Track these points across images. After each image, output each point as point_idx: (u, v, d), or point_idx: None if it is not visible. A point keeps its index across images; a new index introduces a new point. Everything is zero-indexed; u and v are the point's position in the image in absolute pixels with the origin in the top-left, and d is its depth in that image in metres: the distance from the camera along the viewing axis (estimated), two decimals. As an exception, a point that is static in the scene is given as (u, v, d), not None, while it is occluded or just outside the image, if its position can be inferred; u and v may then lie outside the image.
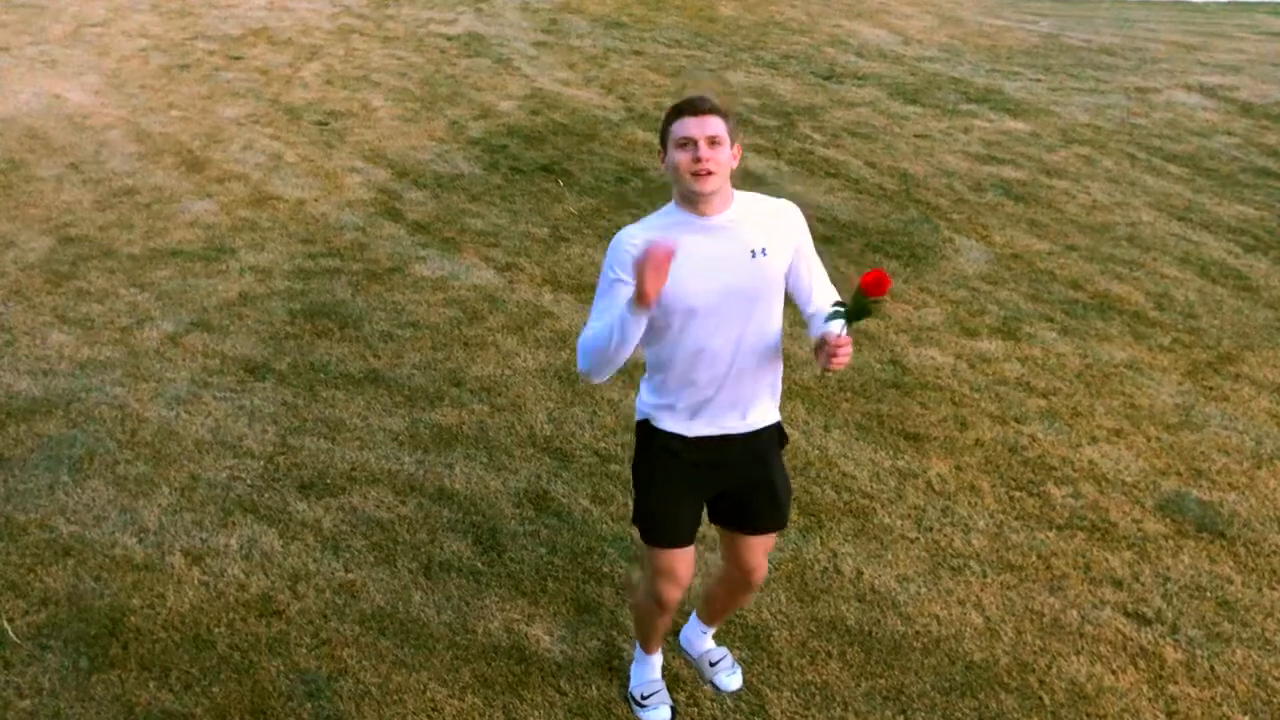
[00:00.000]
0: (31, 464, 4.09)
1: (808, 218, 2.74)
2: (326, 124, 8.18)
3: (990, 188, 7.47)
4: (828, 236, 6.34)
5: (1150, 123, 9.19)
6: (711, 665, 3.21)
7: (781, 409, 4.58)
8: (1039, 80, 10.49)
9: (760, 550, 2.88)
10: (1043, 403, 4.78)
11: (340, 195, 6.82)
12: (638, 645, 3.13)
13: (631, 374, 4.80)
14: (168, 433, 4.31)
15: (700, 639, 3.25)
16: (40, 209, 6.45)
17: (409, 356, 4.94)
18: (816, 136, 8.38)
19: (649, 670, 3.13)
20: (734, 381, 2.62)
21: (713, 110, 2.47)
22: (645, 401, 2.73)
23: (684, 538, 2.75)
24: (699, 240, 2.50)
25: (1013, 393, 4.85)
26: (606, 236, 6.31)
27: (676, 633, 3.34)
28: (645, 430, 2.74)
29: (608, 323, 2.43)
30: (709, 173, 2.45)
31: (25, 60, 9.55)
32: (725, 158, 2.49)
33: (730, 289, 2.53)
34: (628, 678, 3.16)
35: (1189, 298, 5.91)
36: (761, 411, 2.71)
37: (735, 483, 2.75)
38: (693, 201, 2.51)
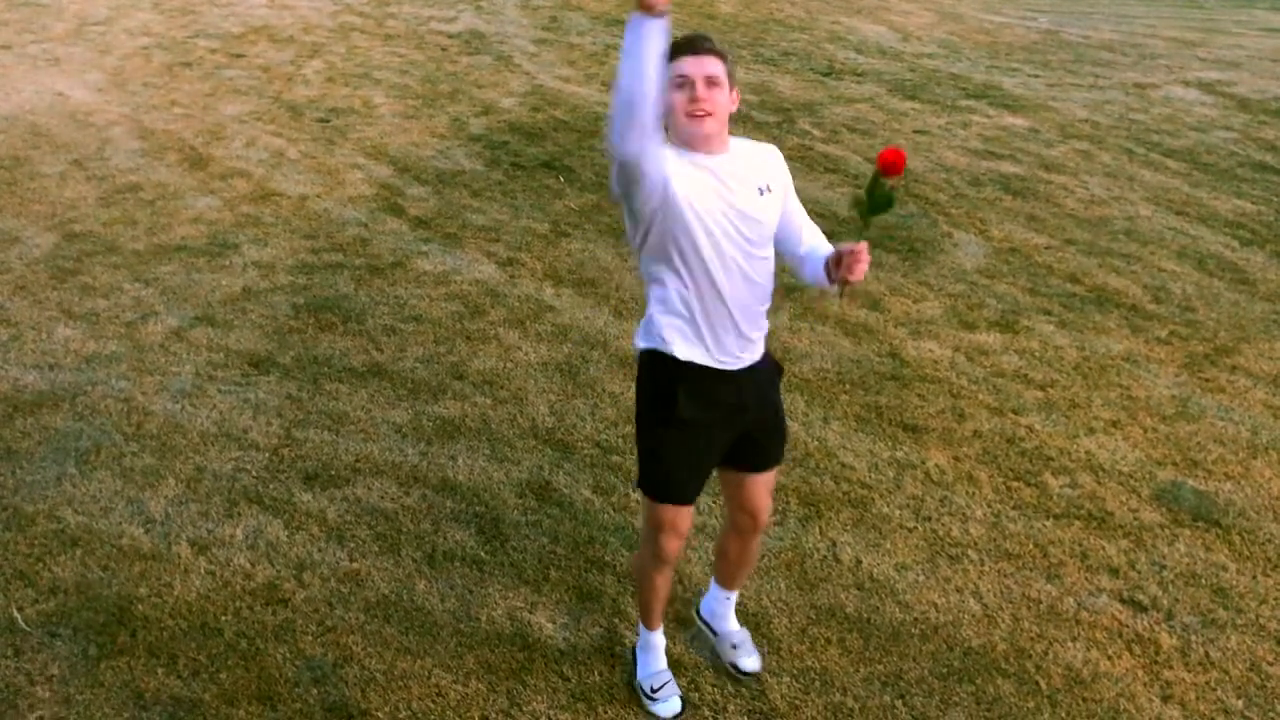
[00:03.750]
0: (39, 456, 4.13)
1: (806, 213, 2.78)
2: (328, 121, 8.22)
3: (989, 183, 7.50)
4: (827, 231, 6.33)
5: (1148, 118, 9.23)
6: (733, 647, 3.21)
7: (783, 401, 4.64)
8: (1037, 76, 10.52)
9: (766, 489, 2.95)
10: (1040, 394, 4.82)
11: (342, 191, 6.86)
12: (641, 627, 3.13)
13: (632, 366, 4.84)
14: (173, 425, 4.35)
15: (724, 610, 3.24)
16: (44, 205, 6.49)
17: (411, 350, 4.98)
18: (815, 132, 8.42)
19: (655, 659, 3.13)
20: (739, 319, 2.62)
21: (711, 50, 2.42)
22: (657, 324, 2.63)
23: (694, 496, 2.80)
24: (708, 174, 2.49)
25: (1010, 385, 4.89)
26: (607, 232, 6.37)
27: (682, 616, 3.37)
28: (657, 366, 2.66)
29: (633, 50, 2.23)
30: (706, 114, 2.41)
31: (28, 58, 9.59)
32: (723, 99, 2.43)
33: (744, 214, 2.52)
34: (629, 662, 3.20)
35: (1186, 291, 5.95)
36: (760, 339, 2.75)
37: (752, 423, 2.77)
38: (691, 144, 2.47)
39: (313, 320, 5.23)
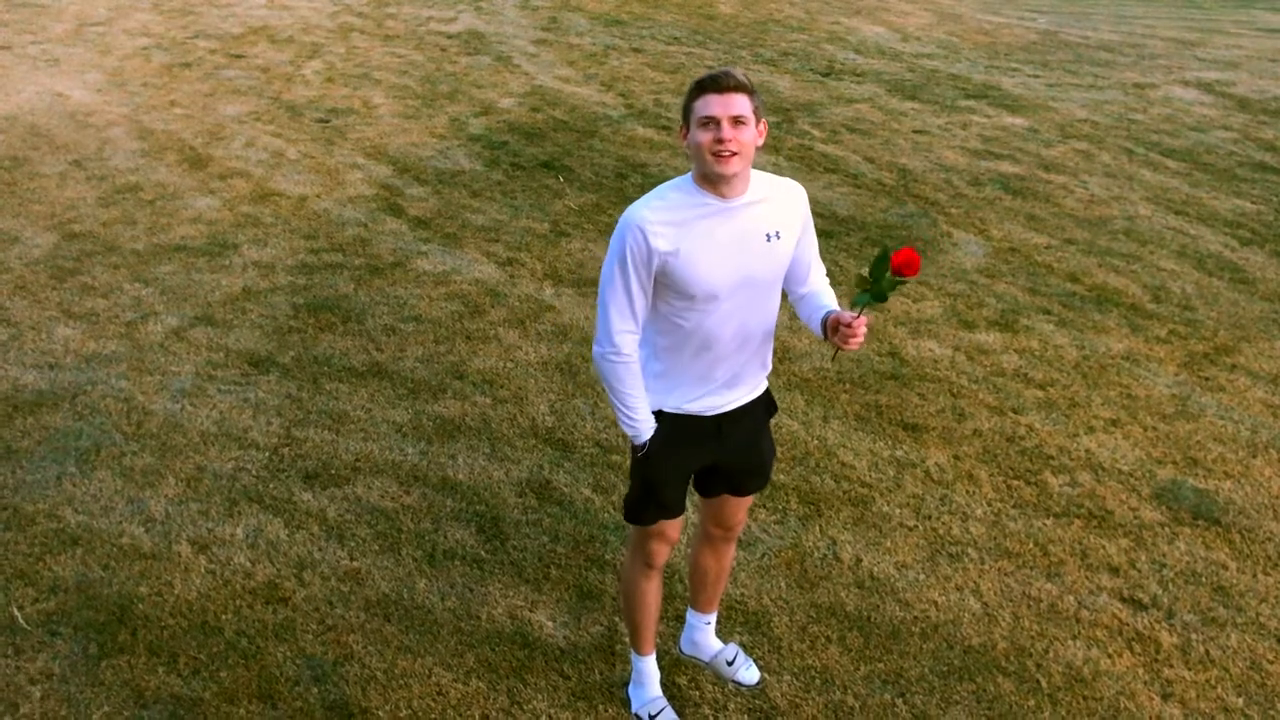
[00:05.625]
0: (39, 456, 4.13)
1: (817, 253, 2.75)
2: (328, 121, 8.22)
3: (988, 183, 7.51)
4: (826, 231, 6.37)
5: (1148, 118, 9.23)
6: (729, 664, 3.18)
7: (782, 401, 4.64)
8: (1037, 76, 10.52)
9: (744, 507, 2.96)
10: (1040, 394, 4.82)
11: (342, 191, 6.86)
12: (633, 657, 3.10)
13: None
14: (173, 425, 4.35)
15: (705, 636, 3.21)
16: (44, 205, 6.49)
17: (411, 350, 4.98)
18: (815, 132, 8.42)
19: (649, 686, 3.09)
20: (736, 361, 2.64)
21: (738, 87, 2.38)
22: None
23: (678, 510, 2.81)
24: (718, 226, 2.47)
25: (1010, 384, 4.89)
26: (606, 232, 6.36)
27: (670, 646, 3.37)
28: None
29: (628, 398, 2.58)
30: (732, 154, 2.38)
31: (28, 59, 9.59)
32: (749, 138, 2.40)
33: (747, 276, 2.51)
34: (629, 664, 3.19)
35: (1186, 290, 5.95)
36: (754, 384, 2.75)
37: (726, 456, 2.78)
38: (714, 182, 2.44)
39: (312, 320, 5.23)
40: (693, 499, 3.08)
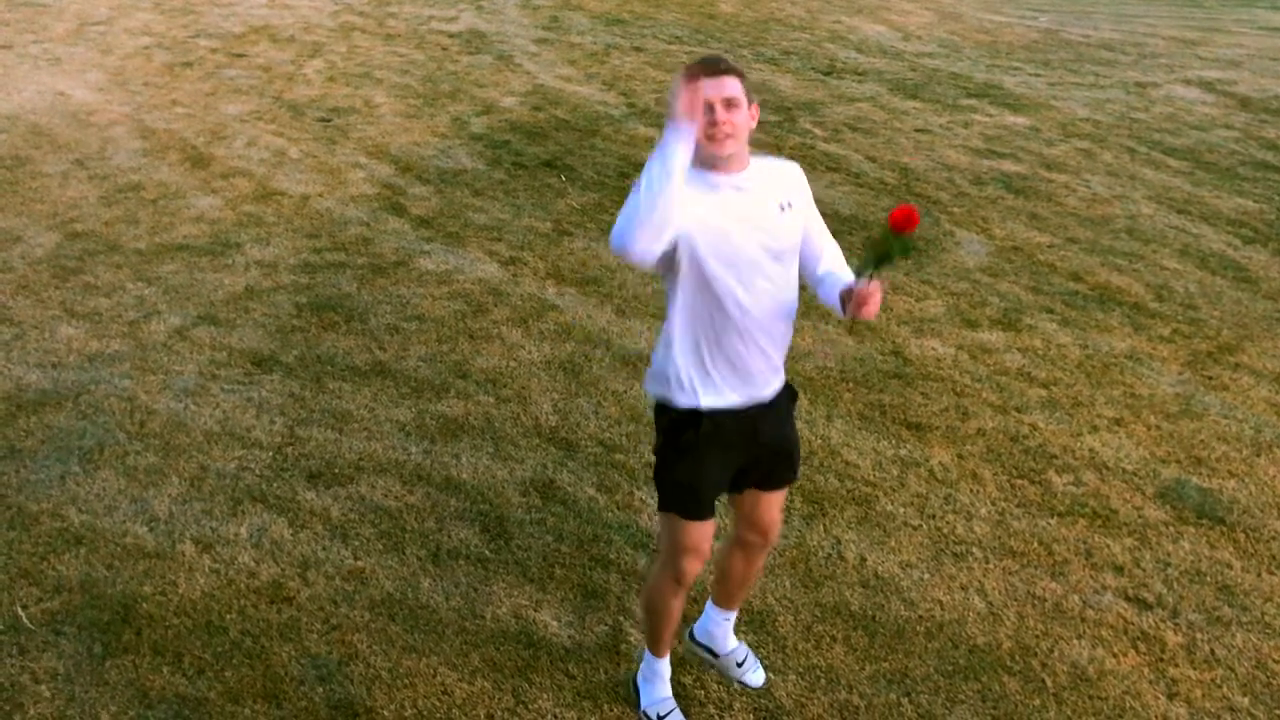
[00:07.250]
0: (42, 455, 4.13)
1: (828, 232, 2.76)
2: (329, 120, 8.22)
3: (990, 181, 7.50)
4: (832, 230, 6.36)
5: (1149, 117, 9.23)
6: (739, 665, 3.16)
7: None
8: (1038, 75, 10.52)
9: (777, 505, 2.91)
10: (1043, 392, 4.82)
11: (344, 191, 6.86)
12: (646, 654, 3.07)
13: (635, 365, 4.84)
14: (176, 424, 4.34)
15: (723, 631, 3.16)
16: (46, 204, 6.49)
17: (414, 349, 4.98)
18: (817, 131, 8.42)
19: (659, 686, 3.07)
20: (765, 344, 2.61)
21: (728, 71, 2.45)
22: (674, 374, 2.64)
23: (712, 509, 2.76)
24: (732, 199, 2.50)
25: (1014, 383, 4.89)
26: (608, 230, 6.34)
27: (685, 635, 3.36)
28: (671, 411, 2.67)
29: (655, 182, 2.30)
30: (727, 135, 2.43)
31: (29, 58, 9.58)
32: (743, 119, 2.46)
33: (765, 244, 2.53)
34: (635, 662, 3.19)
35: (1189, 289, 5.95)
36: (780, 371, 2.73)
37: (760, 451, 2.75)
38: (712, 165, 2.49)
39: (315, 319, 5.23)
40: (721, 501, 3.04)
